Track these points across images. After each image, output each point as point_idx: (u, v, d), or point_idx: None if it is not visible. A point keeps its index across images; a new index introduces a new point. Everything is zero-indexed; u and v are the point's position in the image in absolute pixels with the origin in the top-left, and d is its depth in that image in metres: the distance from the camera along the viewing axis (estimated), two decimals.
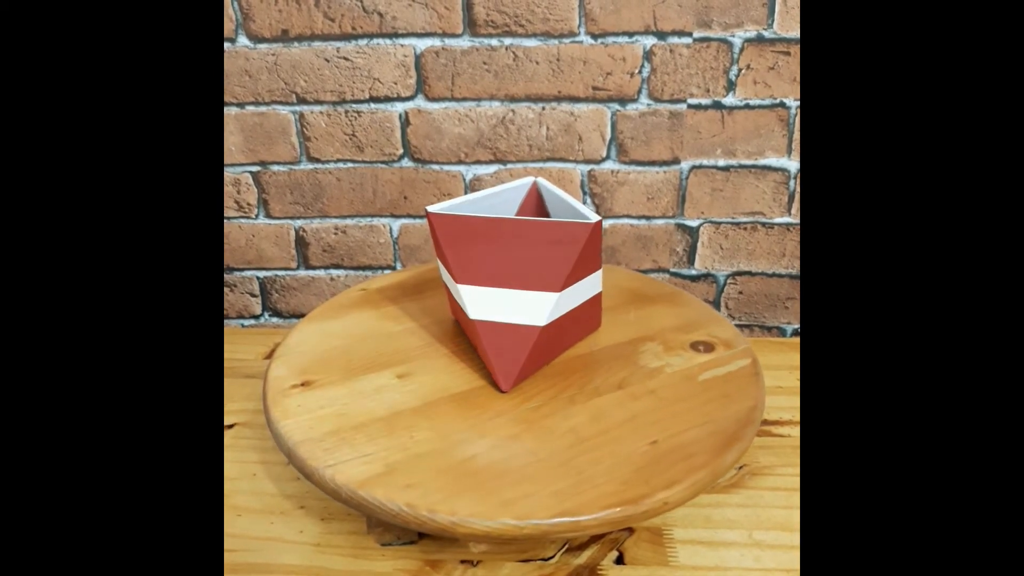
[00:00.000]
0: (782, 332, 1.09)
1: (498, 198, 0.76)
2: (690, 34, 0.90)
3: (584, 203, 1.00)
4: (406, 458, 0.58)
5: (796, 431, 0.86)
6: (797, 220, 1.00)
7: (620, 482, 0.55)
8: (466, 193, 1.01)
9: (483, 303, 0.66)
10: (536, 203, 0.79)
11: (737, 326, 1.09)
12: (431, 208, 0.69)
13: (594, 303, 0.73)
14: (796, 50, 0.91)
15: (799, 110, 0.94)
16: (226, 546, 0.69)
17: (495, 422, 0.62)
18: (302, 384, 0.69)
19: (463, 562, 0.67)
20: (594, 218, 0.66)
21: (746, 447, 0.60)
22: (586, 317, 0.73)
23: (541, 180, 0.78)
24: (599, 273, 0.71)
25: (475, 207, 0.74)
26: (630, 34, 0.90)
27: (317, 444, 0.60)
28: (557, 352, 0.71)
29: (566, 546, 0.69)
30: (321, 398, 0.66)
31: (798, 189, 0.98)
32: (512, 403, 0.65)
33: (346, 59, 0.93)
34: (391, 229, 1.04)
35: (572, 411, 0.63)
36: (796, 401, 0.92)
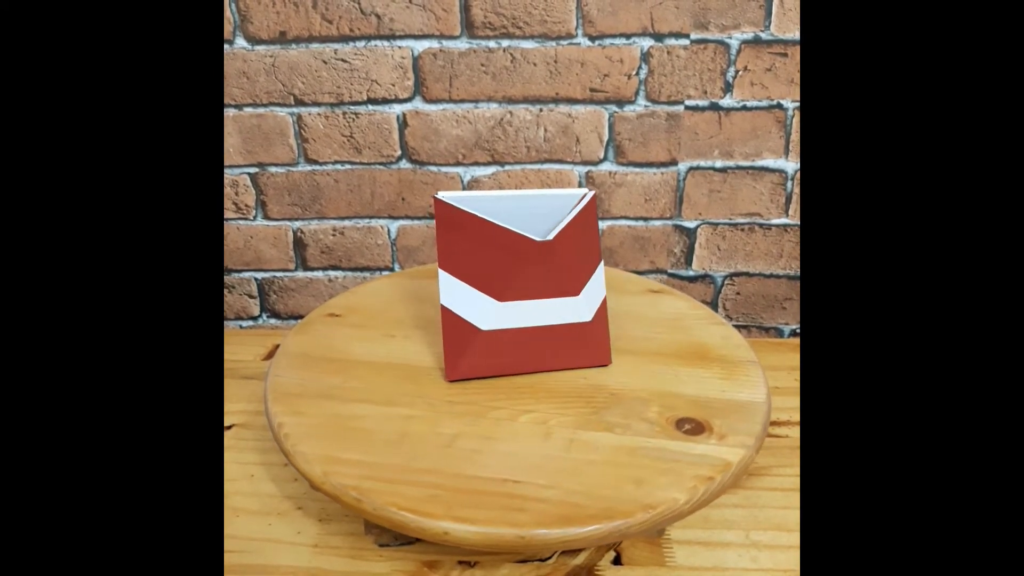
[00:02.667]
0: (779, 333, 1.09)
1: (540, 202, 0.71)
2: (687, 36, 0.91)
3: None
4: (317, 394, 0.67)
5: (794, 431, 0.86)
6: (794, 221, 1.01)
7: (429, 494, 0.54)
8: None
9: (451, 291, 0.68)
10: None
11: (735, 327, 1.09)
12: (441, 194, 0.70)
13: (579, 332, 0.68)
14: (793, 52, 0.91)
15: (796, 111, 0.94)
16: (224, 547, 0.69)
17: (411, 400, 0.66)
18: (335, 315, 0.80)
19: (460, 563, 0.67)
20: (546, 237, 0.63)
21: (593, 541, 0.52)
22: (565, 344, 0.69)
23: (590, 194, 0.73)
24: (578, 301, 0.67)
25: (506, 204, 0.71)
26: (627, 36, 0.91)
27: (290, 358, 0.72)
28: (520, 366, 0.69)
29: None
30: (330, 330, 0.78)
31: (795, 190, 0.99)
32: (444, 393, 0.67)
33: (344, 61, 0.93)
34: (389, 230, 1.04)
35: (479, 424, 0.62)
36: (793, 402, 0.92)
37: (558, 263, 0.65)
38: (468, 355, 0.67)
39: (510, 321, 0.67)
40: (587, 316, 0.69)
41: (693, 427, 0.62)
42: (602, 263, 0.71)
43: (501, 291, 0.65)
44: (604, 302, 0.71)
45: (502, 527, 0.51)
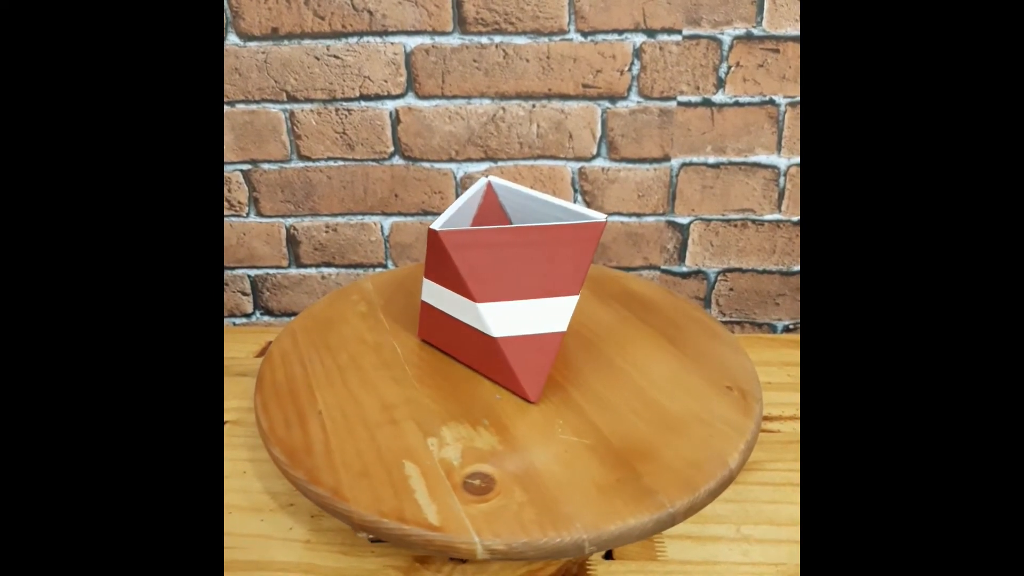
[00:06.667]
0: (772, 328, 1.09)
1: (557, 212, 0.69)
2: (679, 32, 0.91)
3: (575, 201, 1.01)
4: (353, 301, 0.81)
5: (786, 427, 0.86)
6: (787, 217, 1.01)
7: (278, 385, 0.68)
8: (456, 191, 1.01)
9: None
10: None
11: (728, 323, 1.09)
12: (491, 178, 0.75)
13: (487, 345, 0.64)
14: (785, 47, 0.91)
15: (789, 107, 0.94)
16: None
17: (381, 334, 0.75)
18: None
19: (452, 559, 0.67)
20: (439, 227, 0.62)
21: (294, 482, 0.58)
22: (483, 352, 0.66)
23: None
24: (475, 307, 0.62)
25: (530, 204, 0.72)
26: (620, 32, 0.91)
27: (383, 277, 0.88)
28: (458, 352, 0.69)
29: None
30: (393, 277, 0.89)
31: (788, 186, 0.99)
32: (405, 343, 0.74)
33: (336, 57, 0.93)
34: (382, 227, 1.04)
35: (375, 374, 0.69)
36: (786, 397, 0.92)
37: (448, 257, 0.61)
38: (421, 320, 0.72)
39: (432, 298, 0.68)
40: (491, 331, 0.63)
41: (481, 486, 0.55)
42: (571, 299, 0.64)
43: (427, 266, 0.68)
44: (549, 339, 0.64)
45: (264, 422, 0.63)
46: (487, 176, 0.70)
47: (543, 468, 0.56)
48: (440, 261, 0.63)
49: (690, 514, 0.54)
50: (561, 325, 0.64)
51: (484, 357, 0.66)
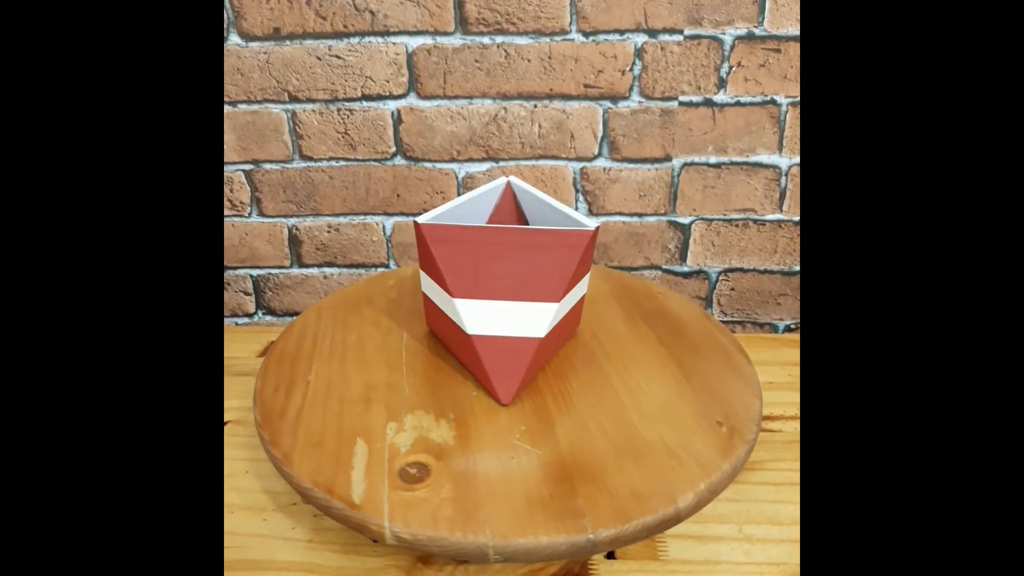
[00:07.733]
0: (774, 328, 1.09)
1: (557, 216, 0.69)
2: (681, 32, 0.91)
3: (576, 201, 1.01)
4: (379, 287, 0.84)
5: (787, 426, 0.86)
6: (788, 216, 1.01)
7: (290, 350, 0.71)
8: (458, 191, 1.01)
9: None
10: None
11: (729, 322, 1.09)
12: (511, 178, 0.74)
13: (465, 339, 0.64)
14: (786, 47, 0.91)
15: (790, 107, 0.94)
16: None
17: (394, 317, 0.78)
18: None
19: (454, 558, 0.67)
20: (424, 220, 0.63)
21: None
22: (465, 347, 0.65)
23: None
24: (453, 301, 0.63)
25: (537, 206, 0.73)
26: (621, 32, 0.91)
27: (363, 282, 0.86)
28: (451, 343, 0.69)
29: None
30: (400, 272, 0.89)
31: (789, 186, 0.99)
32: (413, 331, 0.75)
33: (338, 57, 0.93)
34: (384, 227, 1.04)
35: (374, 357, 0.70)
36: (787, 397, 0.92)
37: (429, 250, 0.62)
38: (424, 310, 0.72)
39: (426, 290, 0.68)
40: (466, 328, 0.62)
41: (415, 475, 0.55)
42: (551, 306, 0.62)
43: (420, 259, 0.67)
44: (525, 343, 0.62)
45: (259, 383, 0.66)
46: (507, 176, 0.71)
47: (482, 470, 0.55)
48: (425, 254, 0.64)
49: (615, 545, 0.51)
50: (539, 331, 0.62)
51: (464, 352, 0.66)
